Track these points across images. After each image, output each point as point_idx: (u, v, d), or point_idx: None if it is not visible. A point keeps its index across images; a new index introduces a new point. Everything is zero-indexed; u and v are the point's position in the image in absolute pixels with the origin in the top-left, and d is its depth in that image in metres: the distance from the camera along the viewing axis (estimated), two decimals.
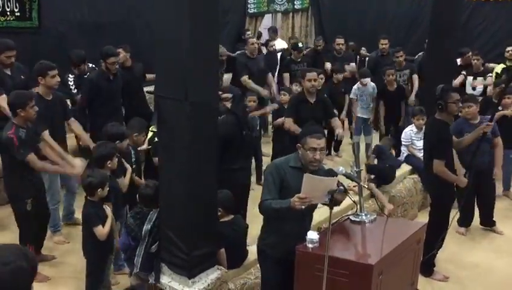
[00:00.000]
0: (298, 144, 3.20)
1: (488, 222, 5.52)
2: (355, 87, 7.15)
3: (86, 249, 3.83)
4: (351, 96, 7.14)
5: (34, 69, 4.53)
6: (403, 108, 6.86)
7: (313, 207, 3.32)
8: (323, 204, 3.14)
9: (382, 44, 7.82)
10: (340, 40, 8.00)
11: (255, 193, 4.37)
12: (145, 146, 4.67)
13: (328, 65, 7.73)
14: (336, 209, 3.51)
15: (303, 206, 2.97)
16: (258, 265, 3.63)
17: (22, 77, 5.13)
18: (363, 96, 7.06)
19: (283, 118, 5.55)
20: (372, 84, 7.10)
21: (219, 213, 3.74)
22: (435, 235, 4.42)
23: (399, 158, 6.10)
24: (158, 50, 3.27)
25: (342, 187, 3.08)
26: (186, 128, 3.20)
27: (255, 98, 5.99)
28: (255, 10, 9.49)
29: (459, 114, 5.09)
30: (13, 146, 3.90)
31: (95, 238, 3.68)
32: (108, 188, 3.76)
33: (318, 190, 2.92)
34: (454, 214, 4.43)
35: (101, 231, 3.63)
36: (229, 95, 4.40)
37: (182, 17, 3.03)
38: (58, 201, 4.89)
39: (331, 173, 3.26)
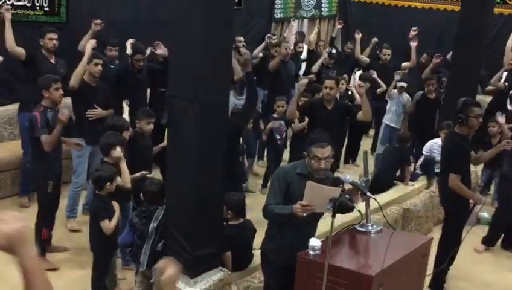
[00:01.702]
0: (304, 153, 3.19)
1: (510, 245, 5.38)
2: (392, 91, 7.02)
3: (93, 243, 3.89)
4: (386, 97, 7.01)
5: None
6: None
7: (318, 216, 3.29)
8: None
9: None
10: (388, 51, 7.75)
11: (261, 199, 4.35)
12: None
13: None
14: (343, 219, 3.49)
15: (305, 214, 2.96)
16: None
17: (62, 70, 5.24)
18: (397, 104, 6.96)
19: (303, 123, 5.53)
20: (407, 95, 7.00)
21: (228, 216, 3.75)
22: (446, 250, 4.33)
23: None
24: (171, 49, 3.30)
25: (347, 196, 3.05)
26: (195, 127, 3.22)
27: (284, 102, 5.98)
28: (282, 15, 9.49)
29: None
30: (36, 124, 4.15)
31: (102, 232, 3.73)
32: (116, 183, 3.81)
33: (320, 198, 2.90)
34: (467, 231, 4.32)
35: (108, 225, 3.68)
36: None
37: (195, 17, 3.06)
38: (82, 185, 5.00)
39: (338, 182, 3.22)
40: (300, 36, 9.20)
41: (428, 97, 6.76)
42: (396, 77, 6.93)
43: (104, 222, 3.66)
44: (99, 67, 4.78)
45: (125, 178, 3.95)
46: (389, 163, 5.79)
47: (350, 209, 3.21)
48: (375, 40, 8.62)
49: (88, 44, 4.87)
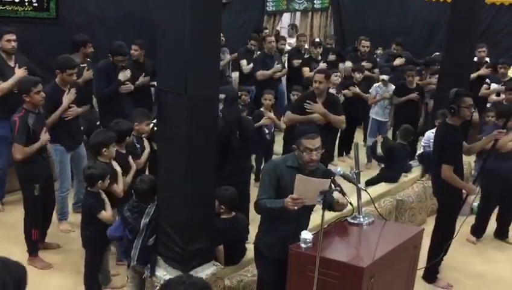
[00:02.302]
0: (294, 146, 3.17)
1: (503, 235, 5.41)
2: (375, 85, 7.03)
3: (85, 240, 3.88)
4: (371, 92, 7.00)
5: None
6: (422, 109, 6.72)
7: (310, 209, 3.28)
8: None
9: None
10: (366, 43, 7.88)
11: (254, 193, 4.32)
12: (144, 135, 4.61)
13: (348, 64, 7.66)
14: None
15: (296, 207, 2.95)
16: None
17: (25, 68, 5.09)
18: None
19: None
20: (393, 86, 6.99)
21: (221, 210, 3.74)
22: (439, 241, 4.35)
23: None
24: (159, 43, 3.27)
25: (337, 188, 3.04)
26: (185, 122, 3.19)
27: (271, 96, 5.99)
28: (274, 8, 9.44)
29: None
30: (13, 128, 4.05)
31: (93, 228, 3.73)
32: (109, 180, 3.80)
33: (310, 191, 2.89)
34: (462, 222, 4.33)
35: (106, 215, 3.70)
36: (221, 96, 4.32)
37: (184, 10, 3.03)
38: (68, 189, 4.96)
39: (329, 174, 3.22)
40: (292, 30, 9.19)
41: (408, 87, 6.73)
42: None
43: (102, 214, 3.67)
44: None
45: (119, 187, 3.92)
46: (402, 161, 5.77)
47: (339, 208, 3.24)
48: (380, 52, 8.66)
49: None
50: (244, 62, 7.26)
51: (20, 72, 4.84)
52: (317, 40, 7.98)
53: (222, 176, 3.85)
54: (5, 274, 1.57)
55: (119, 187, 3.99)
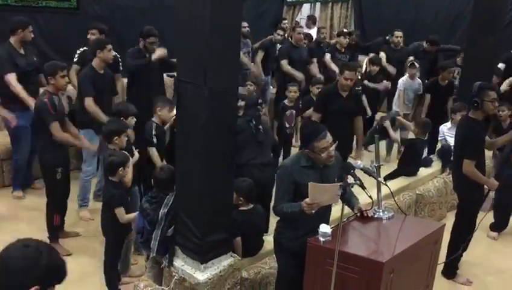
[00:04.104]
0: (306, 150, 3.11)
1: None
2: (402, 79, 6.92)
3: (105, 228, 3.91)
4: (399, 88, 6.89)
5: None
6: (449, 105, 6.60)
7: (330, 205, 3.26)
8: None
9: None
10: (399, 33, 7.69)
11: None
12: (167, 125, 4.58)
13: (382, 55, 7.55)
14: None
15: (313, 211, 2.96)
16: (274, 255, 3.60)
17: (35, 58, 5.21)
18: (407, 91, 6.85)
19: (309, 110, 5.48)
20: (419, 80, 6.89)
21: (240, 201, 3.74)
22: (460, 237, 4.28)
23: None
24: (179, 34, 3.26)
25: (357, 181, 3.01)
26: (204, 113, 3.17)
27: (296, 88, 5.94)
28: None
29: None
30: (48, 111, 4.15)
31: (114, 218, 3.74)
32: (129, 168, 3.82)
33: (325, 195, 2.91)
34: (482, 217, 4.26)
35: (122, 213, 3.70)
36: (241, 103, 4.35)
37: (204, 0, 3.00)
38: (93, 173, 5.02)
39: (349, 168, 3.18)
40: (310, 21, 9.08)
41: (440, 84, 6.60)
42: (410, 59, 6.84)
43: (119, 210, 3.68)
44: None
45: (128, 178, 3.90)
46: (420, 156, 5.70)
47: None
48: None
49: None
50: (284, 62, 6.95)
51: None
52: (345, 30, 7.84)
53: (245, 169, 3.85)
54: (45, 251, 1.63)
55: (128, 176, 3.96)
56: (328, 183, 3.02)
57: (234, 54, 3.28)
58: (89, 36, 5.66)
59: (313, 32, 8.46)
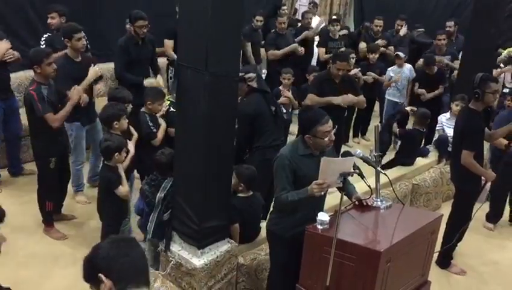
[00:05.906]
0: (307, 136, 3.07)
1: None
2: (390, 69, 6.92)
3: (102, 212, 3.90)
4: (387, 77, 6.90)
5: (61, 31, 4.49)
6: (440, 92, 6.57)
7: (325, 194, 3.25)
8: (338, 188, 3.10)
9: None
10: (379, 22, 7.70)
11: None
12: (160, 113, 4.57)
13: (362, 45, 7.51)
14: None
15: (322, 193, 2.93)
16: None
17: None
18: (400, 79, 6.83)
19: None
20: (409, 66, 6.87)
21: (240, 188, 3.72)
22: (455, 227, 4.31)
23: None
24: (181, 19, 3.22)
25: (357, 170, 3.01)
26: (204, 98, 3.15)
27: (290, 75, 5.92)
28: None
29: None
30: (34, 102, 4.00)
31: (111, 201, 3.74)
32: (125, 154, 3.80)
33: (334, 174, 2.86)
34: (478, 208, 4.28)
35: (123, 190, 3.70)
36: (253, 75, 4.26)
37: None
38: (83, 161, 4.99)
39: (347, 155, 3.18)
40: (313, 8, 9.00)
41: (427, 73, 6.55)
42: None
43: (118, 189, 3.67)
44: (83, 41, 4.44)
45: (124, 164, 3.88)
46: (417, 146, 5.71)
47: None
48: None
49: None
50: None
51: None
52: (334, 17, 7.78)
53: (270, 151, 3.87)
54: None
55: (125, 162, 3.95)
56: (340, 158, 2.98)
57: (235, 39, 3.25)
58: (49, 21, 5.45)
59: (314, 20, 8.41)
